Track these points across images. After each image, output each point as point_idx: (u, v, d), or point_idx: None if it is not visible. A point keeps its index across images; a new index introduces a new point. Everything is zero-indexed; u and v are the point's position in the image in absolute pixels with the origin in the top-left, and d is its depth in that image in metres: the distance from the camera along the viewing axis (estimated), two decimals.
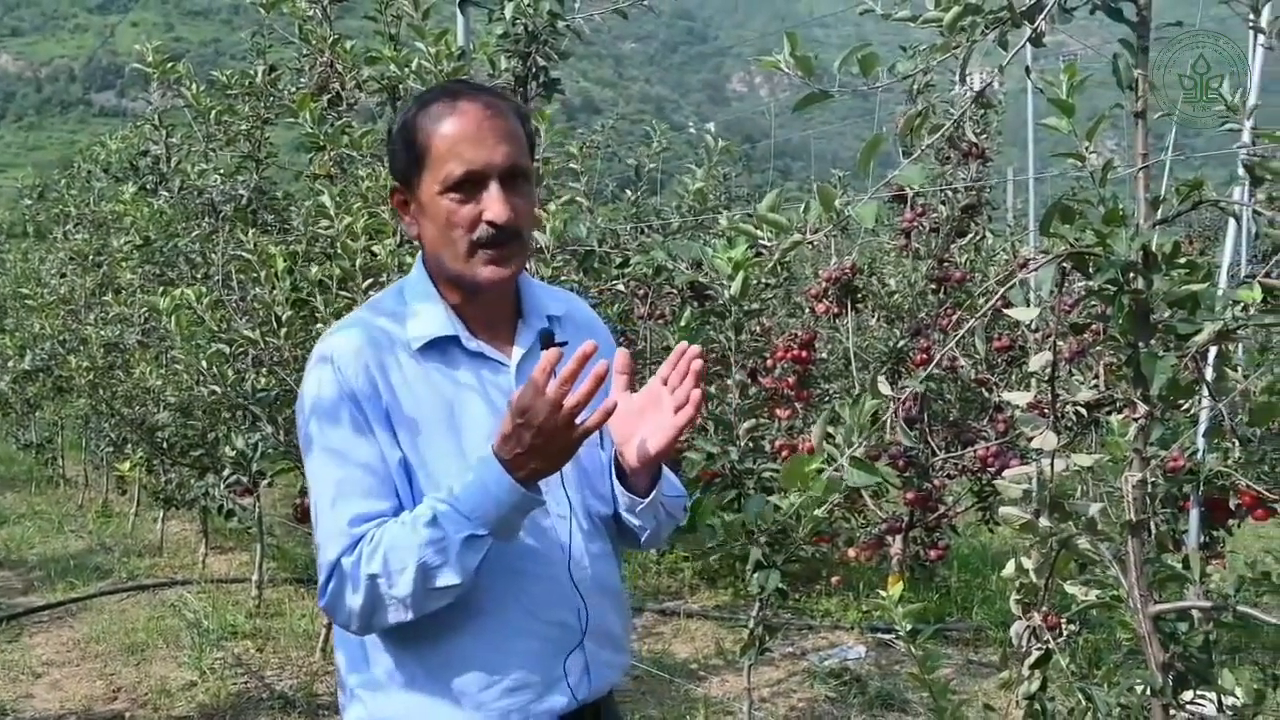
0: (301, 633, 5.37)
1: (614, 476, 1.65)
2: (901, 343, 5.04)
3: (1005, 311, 1.78)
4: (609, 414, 1.41)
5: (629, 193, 4.34)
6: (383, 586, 1.43)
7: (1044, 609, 2.47)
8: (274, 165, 5.60)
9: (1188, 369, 1.69)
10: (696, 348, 1.61)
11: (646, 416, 1.60)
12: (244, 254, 4.33)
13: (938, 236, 5.15)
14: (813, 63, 1.76)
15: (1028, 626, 1.95)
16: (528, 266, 1.76)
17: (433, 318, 1.58)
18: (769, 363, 4.91)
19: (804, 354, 4.78)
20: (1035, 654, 2.00)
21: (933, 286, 5.18)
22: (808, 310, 5.53)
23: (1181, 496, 3.74)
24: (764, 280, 3.67)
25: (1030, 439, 1.80)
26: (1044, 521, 1.79)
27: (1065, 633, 2.35)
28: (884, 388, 1.86)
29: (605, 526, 1.67)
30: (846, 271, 5.06)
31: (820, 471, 1.66)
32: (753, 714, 2.82)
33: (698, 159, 5.03)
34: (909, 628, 2.05)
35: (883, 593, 2.12)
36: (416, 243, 1.65)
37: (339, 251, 3.55)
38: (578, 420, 1.40)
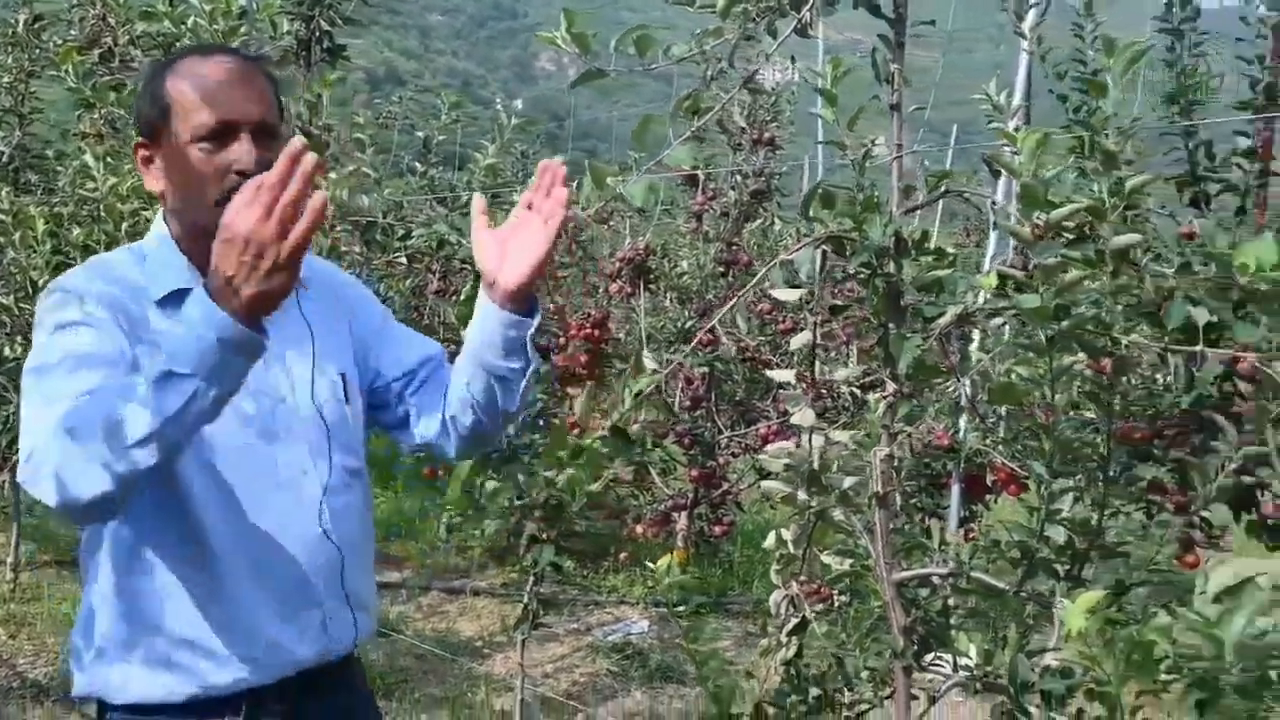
0: (61, 618, 5.08)
1: (491, 323, 1.61)
2: (689, 323, 5.15)
3: (771, 293, 1.85)
4: (320, 213, 1.23)
5: (419, 166, 4.27)
6: (75, 437, 1.25)
7: (803, 579, 2.58)
8: (41, 122, 5.26)
9: (935, 350, 1.80)
10: (560, 163, 1.62)
11: (514, 241, 1.59)
12: (0, 215, 4.05)
13: (728, 220, 5.29)
14: (590, 40, 1.78)
15: (786, 595, 2.04)
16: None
17: (172, 271, 1.53)
18: (562, 340, 4.94)
19: (597, 333, 4.84)
20: (792, 622, 2.10)
21: (721, 269, 5.32)
22: (602, 290, 5.59)
23: (944, 473, 3.98)
24: (558, 259, 3.68)
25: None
26: (802, 495, 1.87)
27: (835, 602, 2.48)
28: (649, 363, 1.90)
29: (356, 481, 1.66)
30: (640, 252, 5.13)
31: (584, 447, 1.69)
32: (524, 688, 2.83)
33: (493, 135, 5.00)
34: (675, 599, 2.10)
35: (651, 565, 2.17)
36: (159, 200, 1.59)
37: (104, 215, 3.36)
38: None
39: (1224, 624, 1.18)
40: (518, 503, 2.24)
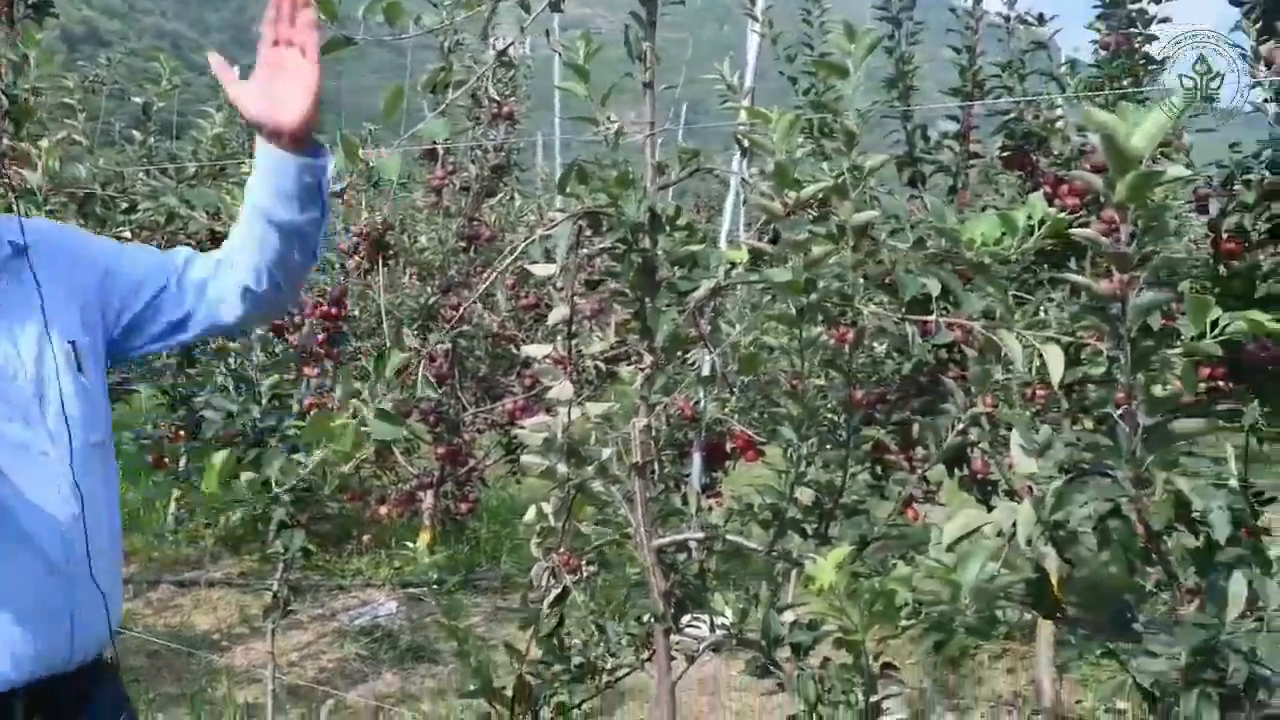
0: None
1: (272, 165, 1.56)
2: (433, 299, 5.08)
3: (527, 268, 1.86)
4: None
5: (137, 134, 3.99)
6: None
7: (562, 550, 2.61)
8: None
9: (689, 323, 1.86)
10: None
11: (278, 82, 1.52)
12: None
13: (468, 195, 5.24)
14: (335, 6, 1.72)
15: (547, 567, 2.06)
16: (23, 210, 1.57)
17: None
18: (297, 319, 4.76)
19: (334, 311, 4.69)
20: (554, 593, 2.13)
21: (463, 244, 5.27)
22: (338, 266, 5.42)
23: (686, 442, 4.11)
24: None
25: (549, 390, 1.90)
26: (561, 468, 1.89)
27: (585, 573, 2.52)
28: (410, 340, 1.88)
29: (99, 459, 1.56)
30: (378, 227, 5.01)
31: (345, 426, 1.64)
32: (275, 678, 2.74)
33: (219, 103, 4.74)
34: (434, 577, 2.09)
35: (410, 545, 2.14)
36: None
37: None
38: None
39: (961, 570, 1.29)
40: (275, 490, 2.15)
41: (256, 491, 2.19)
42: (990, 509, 1.42)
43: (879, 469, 2.90)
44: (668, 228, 1.74)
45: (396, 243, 5.36)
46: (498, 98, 4.71)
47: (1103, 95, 2.93)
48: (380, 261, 5.07)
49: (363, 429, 1.65)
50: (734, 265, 1.72)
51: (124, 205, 2.66)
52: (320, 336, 4.61)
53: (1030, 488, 1.38)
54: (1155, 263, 1.26)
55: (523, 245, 1.76)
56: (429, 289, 5.29)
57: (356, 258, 5.03)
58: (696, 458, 4.08)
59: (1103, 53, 3.06)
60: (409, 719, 3.83)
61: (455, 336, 5.09)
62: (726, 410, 3.79)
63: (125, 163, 3.89)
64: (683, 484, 3.98)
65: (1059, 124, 2.98)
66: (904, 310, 1.57)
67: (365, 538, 5.51)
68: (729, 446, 4.05)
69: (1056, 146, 2.98)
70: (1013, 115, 3.04)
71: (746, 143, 1.56)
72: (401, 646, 4.51)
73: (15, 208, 1.56)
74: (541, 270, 1.92)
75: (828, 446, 1.90)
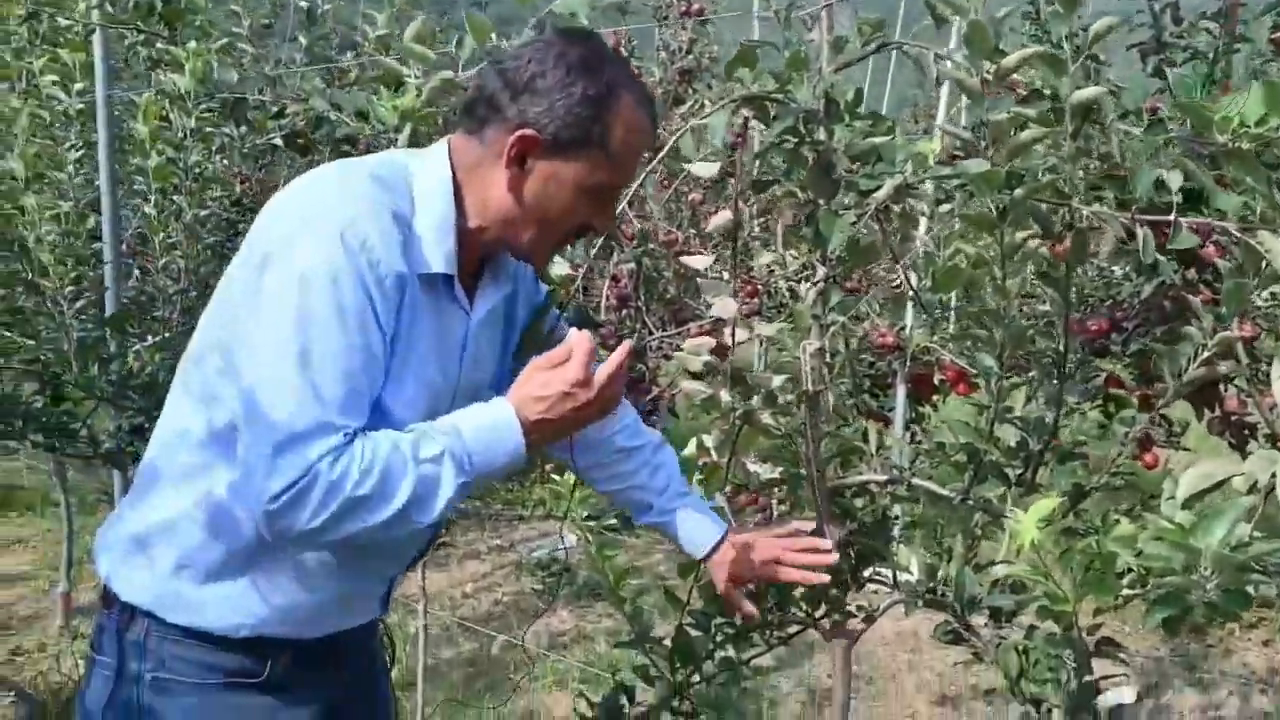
0: None
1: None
2: None
3: (685, 167, 1.69)
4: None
5: (303, 38, 3.99)
6: (363, 509, 1.27)
7: (751, 491, 2.46)
8: None
9: (871, 230, 1.65)
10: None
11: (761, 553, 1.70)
12: None
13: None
14: None
15: (710, 508, 1.91)
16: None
17: (442, 251, 1.37)
18: None
19: None
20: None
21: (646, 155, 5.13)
22: None
23: (890, 374, 3.89)
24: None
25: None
26: (725, 396, 1.73)
27: (774, 512, 2.37)
28: (563, 268, 1.75)
29: None
30: None
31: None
32: (427, 613, 2.72)
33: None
34: (585, 515, 1.99)
35: (556, 478, 2.05)
36: (497, 189, 1.40)
37: None
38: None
39: (1200, 532, 1.07)
40: None
41: None
42: (1245, 457, 1.19)
43: (1112, 408, 2.62)
44: (846, 116, 1.54)
45: None
46: None
47: None
48: None
49: None
50: (929, 158, 1.51)
51: (274, 110, 2.64)
52: None
53: None
54: None
55: (673, 140, 1.60)
56: None
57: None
58: (900, 391, 3.85)
59: None
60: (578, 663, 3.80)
61: (641, 255, 4.98)
62: (935, 338, 3.55)
63: (289, 67, 3.88)
64: (885, 419, 3.77)
65: None
66: (1135, 210, 1.33)
67: (548, 467, 5.52)
68: (937, 379, 3.81)
69: None
70: None
71: (938, 5, 1.34)
72: (579, 582, 4.50)
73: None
74: (702, 170, 1.75)
75: (1051, 379, 1.67)
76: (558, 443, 1.52)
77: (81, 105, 3.43)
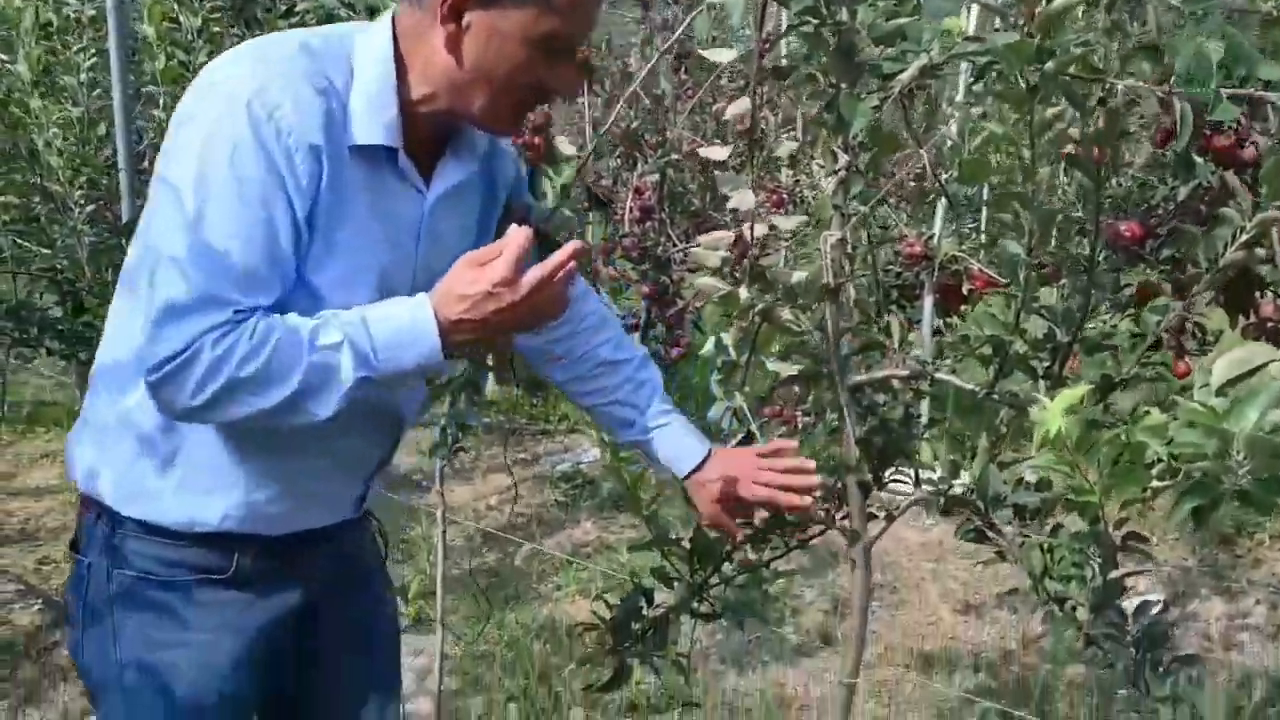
0: None
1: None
2: (635, 123, 4.89)
3: (701, 53, 1.63)
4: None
5: None
6: (247, 391, 1.22)
7: (779, 402, 2.42)
8: None
9: (895, 115, 1.60)
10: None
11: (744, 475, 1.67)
12: None
13: (680, 5, 4.97)
14: None
15: (728, 408, 1.89)
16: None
17: (381, 123, 1.30)
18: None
19: (535, 140, 4.58)
20: (738, 437, 1.96)
21: (675, 62, 5.02)
22: None
23: (917, 284, 3.83)
24: None
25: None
26: (744, 292, 1.69)
27: (800, 424, 2.34)
28: (566, 148, 1.70)
29: None
30: (584, 52, 4.83)
31: None
32: (445, 520, 2.72)
33: None
34: None
35: None
36: (437, 52, 1.30)
37: None
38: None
39: (1234, 416, 1.03)
40: None
41: None
42: None
43: (1140, 316, 2.56)
44: None
45: (601, 64, 5.16)
46: None
47: None
48: (587, 86, 4.90)
49: None
50: (957, 37, 1.45)
51: (283, 8, 2.58)
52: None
53: None
54: None
55: (689, 19, 1.54)
56: (632, 113, 5.09)
57: None
58: (927, 302, 3.79)
59: None
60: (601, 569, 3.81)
61: (665, 165, 4.90)
62: (964, 247, 3.49)
63: None
64: (913, 323, 3.72)
65: None
66: (1173, 83, 1.27)
67: None
68: (966, 289, 3.74)
69: None
70: None
71: None
72: (602, 494, 4.51)
73: None
74: (719, 55, 1.69)
75: (1072, 273, 1.62)
76: (499, 347, 1.40)
77: (94, 11, 3.38)
